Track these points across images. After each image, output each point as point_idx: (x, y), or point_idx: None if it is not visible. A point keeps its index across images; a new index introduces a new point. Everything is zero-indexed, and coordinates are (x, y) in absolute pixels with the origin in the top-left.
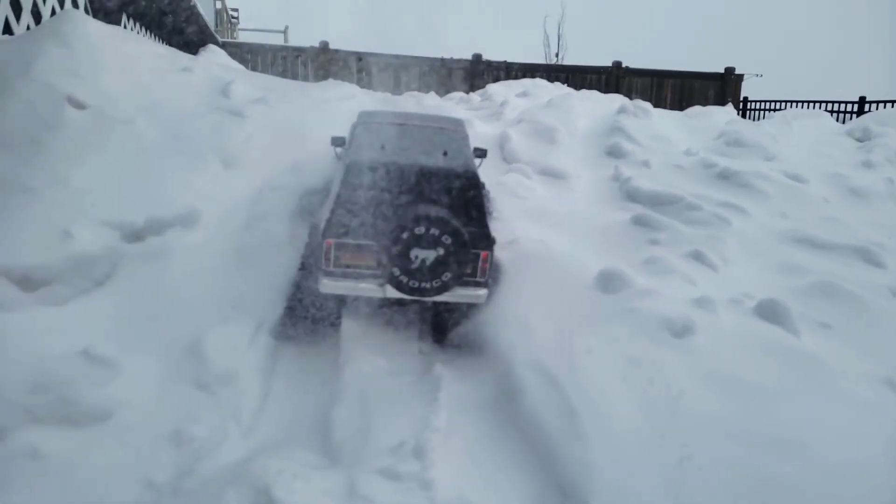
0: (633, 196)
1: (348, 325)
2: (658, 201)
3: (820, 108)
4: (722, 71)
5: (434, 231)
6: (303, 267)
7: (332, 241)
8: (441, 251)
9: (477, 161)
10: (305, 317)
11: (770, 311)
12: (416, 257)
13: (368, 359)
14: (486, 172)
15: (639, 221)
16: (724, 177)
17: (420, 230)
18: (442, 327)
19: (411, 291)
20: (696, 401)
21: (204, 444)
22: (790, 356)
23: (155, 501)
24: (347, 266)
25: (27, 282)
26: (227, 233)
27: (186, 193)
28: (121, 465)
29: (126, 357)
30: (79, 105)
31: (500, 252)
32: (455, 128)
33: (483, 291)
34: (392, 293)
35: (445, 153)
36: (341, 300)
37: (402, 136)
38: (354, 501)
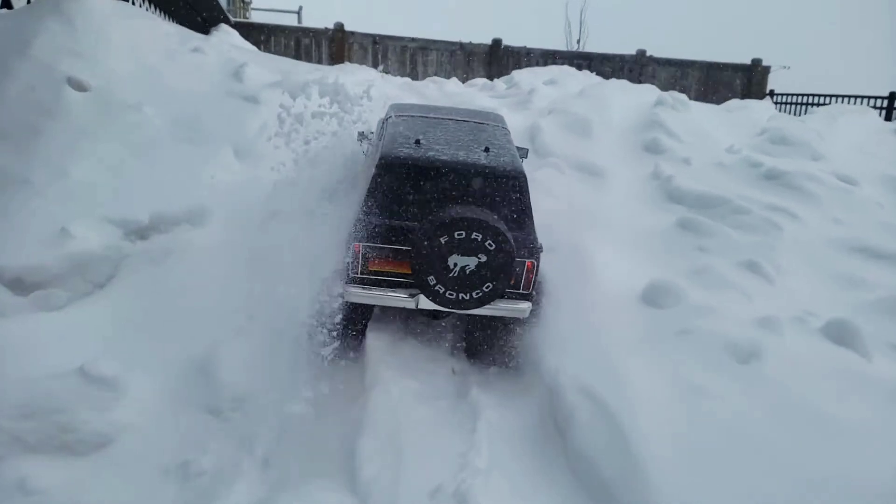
0: (675, 197)
1: (374, 341)
2: (703, 203)
3: (849, 102)
4: (748, 62)
5: (476, 235)
6: None
7: (360, 245)
8: (483, 258)
9: None
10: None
11: (840, 333)
12: (455, 265)
13: (397, 380)
14: None
15: (684, 225)
16: (771, 177)
17: (460, 234)
18: (478, 344)
19: (448, 303)
20: (769, 438)
21: (214, 479)
22: (865, 385)
23: None
24: (377, 273)
25: (20, 284)
26: (241, 231)
27: (196, 187)
28: (121, 501)
29: (128, 375)
30: (80, 87)
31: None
32: (495, 123)
33: (527, 305)
34: (426, 304)
35: (487, 150)
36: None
37: (438, 131)
38: None
